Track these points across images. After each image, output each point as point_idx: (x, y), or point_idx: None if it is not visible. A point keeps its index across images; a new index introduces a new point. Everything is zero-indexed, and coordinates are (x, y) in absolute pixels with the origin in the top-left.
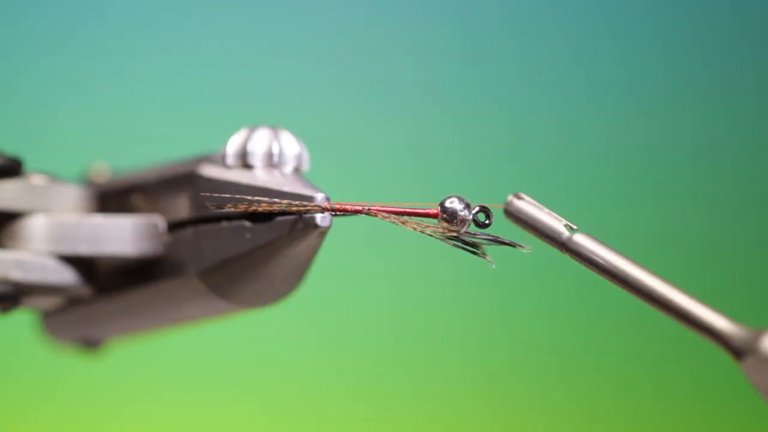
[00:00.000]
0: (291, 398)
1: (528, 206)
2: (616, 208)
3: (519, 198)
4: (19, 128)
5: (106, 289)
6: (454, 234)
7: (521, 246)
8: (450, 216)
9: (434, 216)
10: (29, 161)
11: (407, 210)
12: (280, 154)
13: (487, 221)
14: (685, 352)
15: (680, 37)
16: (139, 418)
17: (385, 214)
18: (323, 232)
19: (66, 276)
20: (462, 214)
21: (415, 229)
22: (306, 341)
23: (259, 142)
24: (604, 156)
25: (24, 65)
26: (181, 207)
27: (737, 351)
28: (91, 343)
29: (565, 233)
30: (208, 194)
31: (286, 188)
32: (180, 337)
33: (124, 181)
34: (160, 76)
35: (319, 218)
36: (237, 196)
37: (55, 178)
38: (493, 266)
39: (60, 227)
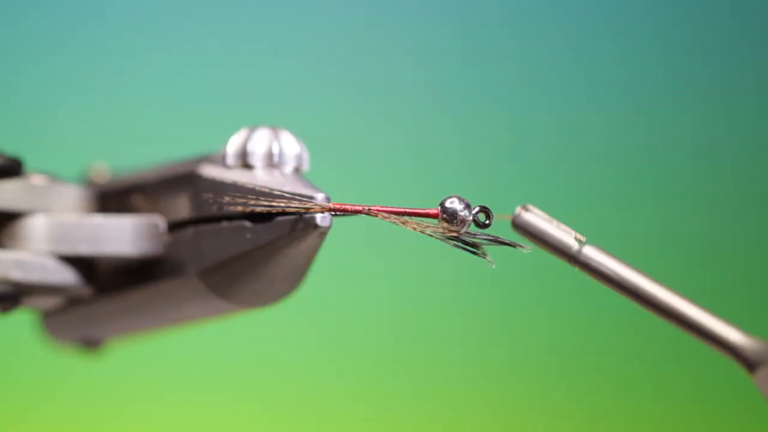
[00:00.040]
0: (291, 398)
1: (536, 219)
2: (616, 208)
3: (527, 210)
4: (19, 128)
5: (106, 289)
6: (455, 234)
7: (521, 246)
8: (450, 216)
9: (434, 216)
10: (29, 161)
11: (407, 210)
12: (280, 154)
13: (487, 221)
14: (685, 352)
15: (680, 37)
16: (139, 418)
17: (385, 214)
18: (323, 232)
19: (66, 276)
20: (462, 214)
21: (415, 229)
22: (306, 341)
23: (259, 142)
24: (604, 156)
25: (24, 65)
26: (182, 207)
27: (750, 363)
28: (91, 343)
29: (575, 246)
30: (208, 194)
31: (287, 188)
32: (180, 337)
33: (124, 181)
34: (160, 76)
35: (320, 218)
36: (237, 196)
37: (55, 178)
38: (493, 266)
39: (60, 227)
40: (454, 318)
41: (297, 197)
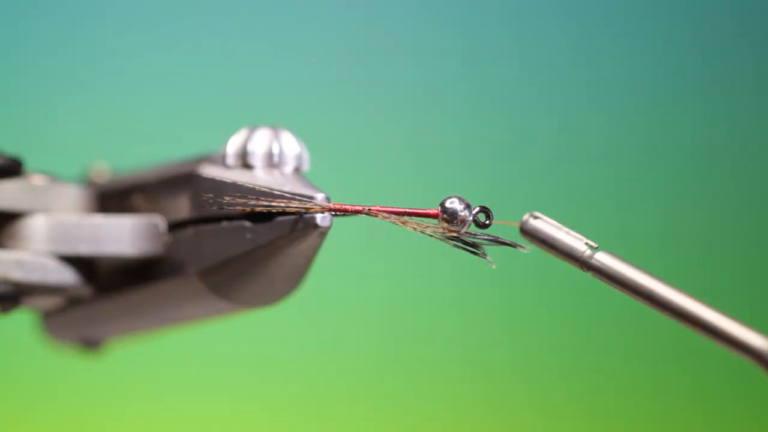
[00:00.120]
0: (291, 398)
1: (545, 225)
2: (616, 208)
3: (535, 217)
4: (19, 128)
5: (106, 289)
6: (455, 234)
7: (521, 246)
8: (450, 216)
9: (434, 216)
10: (29, 161)
11: (407, 210)
12: (281, 154)
13: (487, 221)
14: (685, 352)
15: (680, 37)
16: (139, 418)
17: (385, 215)
18: (323, 232)
19: (66, 276)
20: (462, 214)
21: (415, 229)
22: (306, 341)
23: (260, 142)
24: (604, 156)
25: (24, 65)
26: (182, 207)
27: None
28: (91, 343)
29: (587, 251)
30: (208, 194)
31: (287, 188)
32: (180, 337)
33: (124, 181)
34: (160, 76)
35: (320, 218)
36: (237, 196)
37: (55, 178)
38: (494, 266)
39: (60, 227)
40: (454, 318)
41: (297, 197)
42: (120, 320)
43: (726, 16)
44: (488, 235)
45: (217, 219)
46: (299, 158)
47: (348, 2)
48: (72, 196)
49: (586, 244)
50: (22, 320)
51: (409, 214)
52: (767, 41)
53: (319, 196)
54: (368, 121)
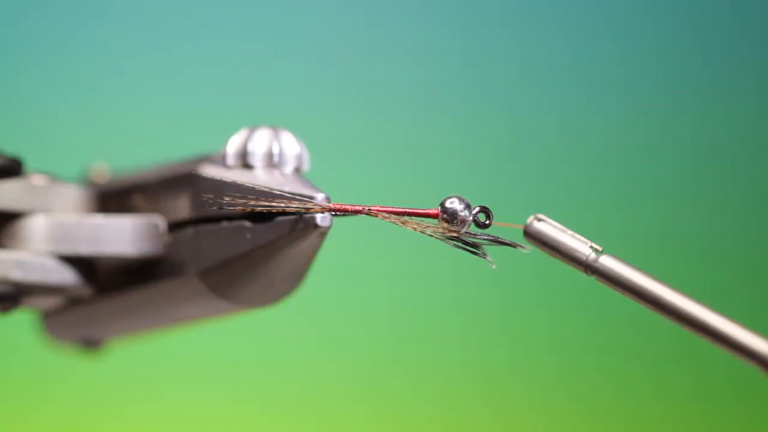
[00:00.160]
0: (291, 398)
1: (549, 228)
2: (616, 208)
3: (539, 220)
4: (19, 128)
5: (106, 289)
6: (455, 234)
7: (521, 246)
8: (450, 216)
9: (434, 216)
10: (29, 161)
11: (407, 210)
12: (281, 154)
13: (487, 221)
14: (685, 352)
15: (680, 37)
16: (139, 418)
17: (385, 214)
18: (324, 232)
19: (66, 276)
20: (462, 214)
21: (415, 229)
22: (306, 341)
23: (260, 142)
24: (604, 156)
25: (24, 65)
26: (182, 207)
27: None
28: (91, 343)
29: (591, 255)
30: (208, 194)
31: (287, 188)
32: (180, 337)
33: (124, 181)
34: (160, 76)
35: (320, 218)
36: (237, 196)
37: (55, 178)
38: (494, 266)
39: (60, 227)
40: (454, 318)
41: (297, 197)
42: (120, 320)
43: (726, 16)
44: (488, 235)
45: (217, 219)
46: (299, 158)
47: (348, 2)
48: (72, 196)
49: (591, 247)
50: (22, 320)
51: (409, 214)
52: (767, 41)
53: (319, 196)
54: (368, 121)
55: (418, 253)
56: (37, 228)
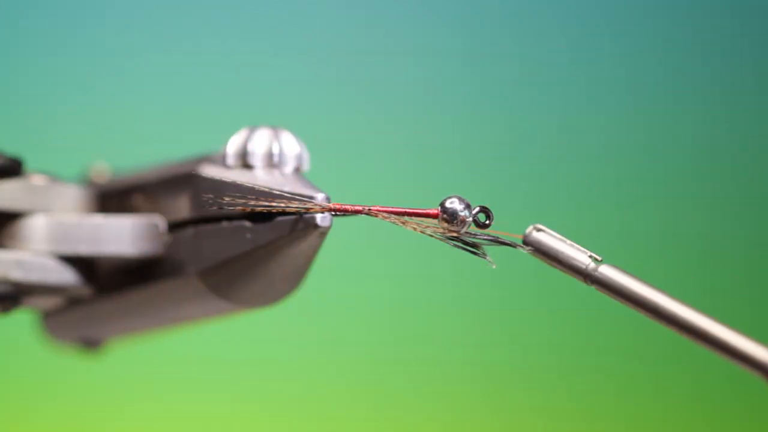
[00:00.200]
0: (291, 398)
1: (548, 238)
2: (616, 208)
3: (538, 230)
4: (19, 128)
5: (106, 289)
6: (455, 234)
7: (521, 246)
8: (450, 216)
9: (434, 216)
10: (29, 161)
11: (407, 210)
12: (281, 154)
13: (487, 221)
14: (685, 352)
15: (680, 37)
16: (139, 418)
17: (385, 215)
18: (324, 232)
19: (66, 276)
20: (462, 214)
21: (415, 229)
22: (306, 341)
23: (260, 142)
24: (604, 156)
25: (24, 65)
26: (182, 207)
27: None
28: (91, 343)
29: (591, 264)
30: (208, 194)
31: (287, 188)
32: (180, 337)
33: (124, 181)
34: (160, 76)
35: (320, 218)
36: (237, 196)
37: (55, 178)
38: (494, 266)
39: (60, 227)
40: (454, 318)
41: (297, 197)
42: (120, 320)
43: (726, 16)
44: (488, 235)
45: (217, 219)
46: (299, 158)
47: (348, 2)
48: (72, 196)
49: (590, 256)
50: (22, 320)
51: (409, 214)
52: (767, 41)
53: (319, 196)
54: (368, 121)
55: (418, 253)
56: (37, 228)
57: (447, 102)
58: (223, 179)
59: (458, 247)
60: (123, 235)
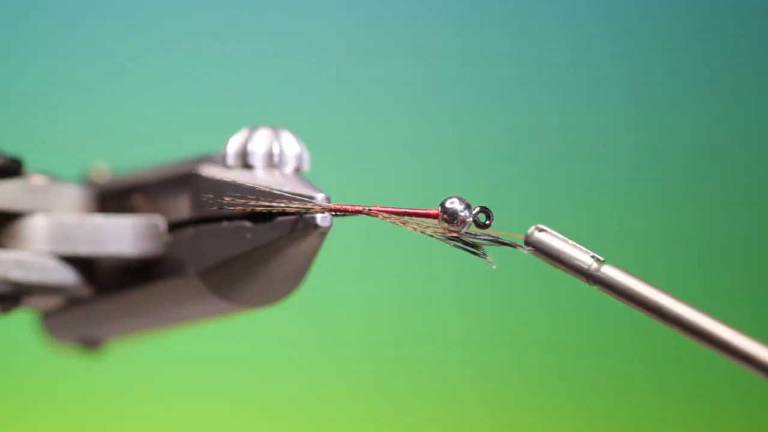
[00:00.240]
0: (291, 398)
1: (550, 238)
2: (616, 208)
3: (540, 230)
4: (19, 128)
5: (106, 289)
6: (455, 234)
7: (522, 246)
8: (450, 216)
9: (435, 216)
10: (29, 161)
11: (407, 210)
12: (281, 154)
13: (487, 222)
14: (685, 352)
15: (680, 37)
16: (139, 418)
17: (385, 215)
18: (324, 232)
19: (66, 276)
20: (462, 214)
21: (415, 229)
22: (306, 341)
23: (260, 142)
24: (604, 156)
25: (24, 65)
26: (182, 207)
27: None
28: (91, 343)
29: (593, 264)
30: (208, 194)
31: (287, 188)
32: (180, 337)
33: (124, 181)
34: (160, 76)
35: (320, 218)
36: (237, 196)
37: (55, 178)
38: (494, 267)
39: (60, 227)
40: (454, 318)
41: (297, 197)
42: (120, 320)
43: (726, 16)
44: (488, 236)
45: (217, 219)
46: (299, 158)
47: (348, 2)
48: (72, 196)
49: (593, 257)
50: (22, 320)
51: (409, 215)
52: (767, 41)
53: (320, 196)
54: (368, 121)
55: (418, 253)
56: (37, 228)
57: (447, 102)
58: (223, 179)
59: (458, 247)
60: (123, 235)
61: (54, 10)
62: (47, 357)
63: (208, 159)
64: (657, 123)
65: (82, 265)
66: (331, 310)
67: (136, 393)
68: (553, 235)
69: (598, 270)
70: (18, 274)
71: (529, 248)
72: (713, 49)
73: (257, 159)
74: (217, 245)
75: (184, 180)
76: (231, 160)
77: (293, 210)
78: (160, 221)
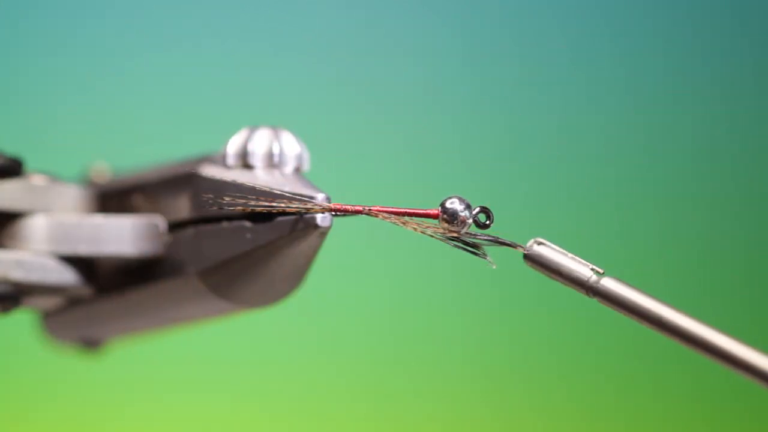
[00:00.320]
0: (291, 398)
1: (549, 251)
2: (616, 208)
3: (539, 244)
4: (19, 128)
5: (106, 289)
6: (455, 234)
7: (522, 247)
8: (450, 216)
9: (435, 216)
10: (29, 161)
11: (407, 210)
12: (281, 154)
13: (487, 222)
14: (686, 353)
15: (680, 37)
16: (139, 418)
17: (385, 215)
18: (324, 232)
19: (66, 276)
20: (463, 214)
21: (415, 229)
22: (306, 341)
23: (260, 142)
24: (604, 156)
25: (24, 65)
26: (182, 207)
27: None
28: (91, 343)
29: (592, 277)
30: (208, 194)
31: (287, 188)
32: (180, 337)
33: (124, 181)
34: (160, 76)
35: (320, 218)
36: (237, 196)
37: (55, 178)
38: (494, 267)
39: (60, 227)
40: (454, 318)
41: (297, 197)
42: (120, 320)
43: (726, 16)
44: (488, 236)
45: (217, 219)
46: (299, 158)
47: (348, 2)
48: (72, 196)
49: (592, 269)
50: (22, 320)
51: (410, 215)
52: (767, 41)
53: (320, 197)
54: (368, 121)
55: (418, 253)
56: (37, 228)
57: (447, 102)
58: (224, 179)
59: (458, 247)
60: (123, 235)
61: (54, 10)
62: (47, 357)
63: (208, 159)
64: (657, 123)
65: (82, 265)
66: (331, 310)
67: (136, 393)
68: (551, 248)
69: (597, 282)
70: (18, 274)
71: (529, 262)
72: (713, 49)
73: (257, 159)
74: (217, 245)
75: (184, 180)
76: (231, 160)
77: (293, 210)
78: (160, 221)
